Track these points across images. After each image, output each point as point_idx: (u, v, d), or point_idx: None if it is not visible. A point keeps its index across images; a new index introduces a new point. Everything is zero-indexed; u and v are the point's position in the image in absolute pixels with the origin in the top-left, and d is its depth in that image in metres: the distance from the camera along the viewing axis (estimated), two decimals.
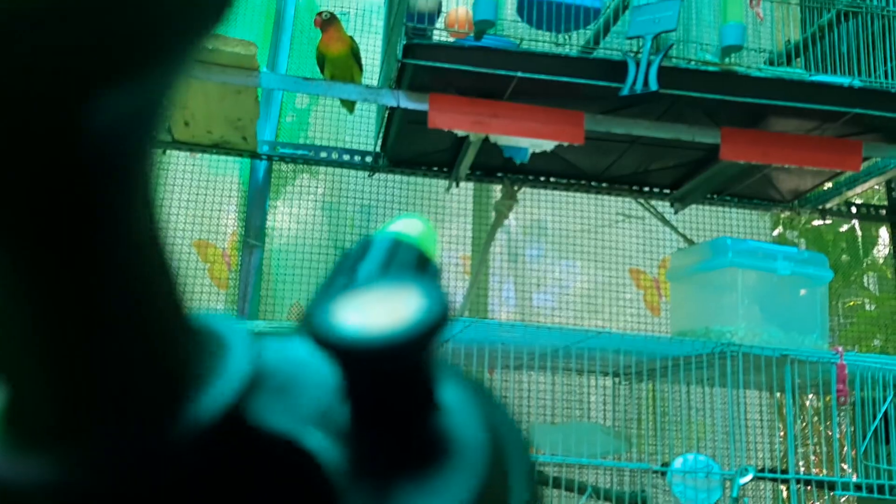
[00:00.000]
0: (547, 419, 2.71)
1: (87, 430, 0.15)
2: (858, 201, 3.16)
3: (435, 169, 2.90)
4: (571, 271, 3.13)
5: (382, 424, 0.18)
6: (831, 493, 2.48)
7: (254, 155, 2.81)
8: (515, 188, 2.89)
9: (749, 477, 2.11)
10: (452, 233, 3.08)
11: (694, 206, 3.07)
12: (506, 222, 2.95)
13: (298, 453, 0.17)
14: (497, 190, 2.98)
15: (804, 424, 3.01)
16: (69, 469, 0.15)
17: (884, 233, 3.48)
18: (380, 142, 2.82)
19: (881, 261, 3.54)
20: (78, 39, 0.12)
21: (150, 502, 0.16)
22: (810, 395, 2.72)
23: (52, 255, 0.14)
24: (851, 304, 3.51)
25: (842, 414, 2.57)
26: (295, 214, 2.98)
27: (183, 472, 0.16)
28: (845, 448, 3.07)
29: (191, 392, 0.16)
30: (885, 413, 2.25)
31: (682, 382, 2.43)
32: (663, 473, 2.17)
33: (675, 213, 3.06)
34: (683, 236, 3.04)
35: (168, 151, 2.74)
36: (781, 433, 3.06)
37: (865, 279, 3.57)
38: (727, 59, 2.42)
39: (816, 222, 3.30)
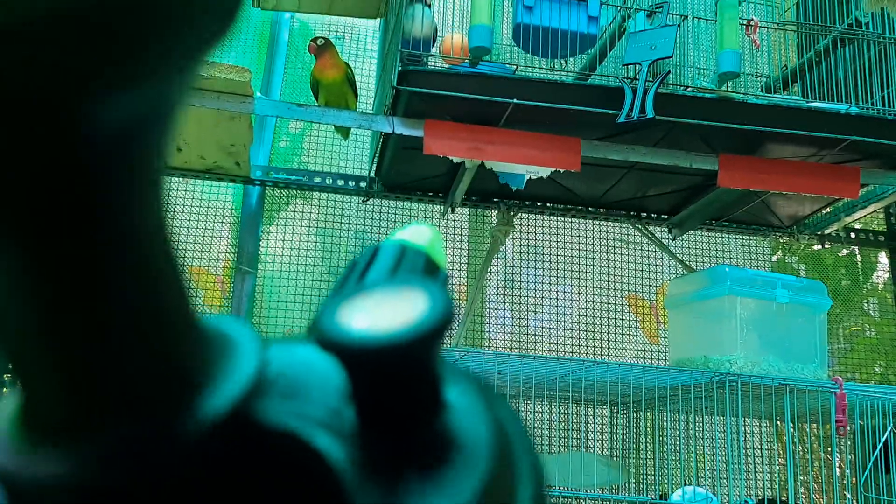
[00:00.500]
0: (544, 449, 2.67)
1: (98, 428, 0.16)
2: (857, 226, 3.14)
3: (430, 194, 2.87)
4: (569, 297, 3.10)
5: (389, 424, 0.18)
6: None
7: (247, 180, 2.78)
8: (512, 214, 2.86)
9: None
10: (448, 259, 3.05)
11: (692, 231, 3.05)
12: (502, 248, 2.92)
13: (307, 452, 0.17)
14: (493, 215, 2.95)
15: (804, 451, 2.97)
16: (81, 465, 0.15)
17: (883, 258, 3.46)
18: (374, 167, 2.80)
19: (881, 286, 3.52)
20: (80, 40, 0.12)
21: (159, 499, 0.16)
22: (810, 421, 2.68)
23: (55, 253, 0.14)
24: (852, 329, 3.48)
25: (842, 441, 2.54)
26: (289, 240, 2.96)
27: (192, 470, 0.16)
28: (846, 474, 3.03)
29: (199, 390, 0.16)
30: (885, 443, 2.22)
31: (681, 412, 2.40)
32: None
33: (673, 238, 3.04)
34: (682, 262, 3.01)
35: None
36: (781, 460, 3.02)
37: (865, 304, 3.54)
38: (724, 86, 2.40)
39: (815, 247, 3.28)
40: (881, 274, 3.53)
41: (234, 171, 2.70)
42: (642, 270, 3.15)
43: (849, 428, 2.21)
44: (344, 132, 2.79)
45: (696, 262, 3.12)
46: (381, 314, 0.18)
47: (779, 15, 2.75)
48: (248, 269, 2.74)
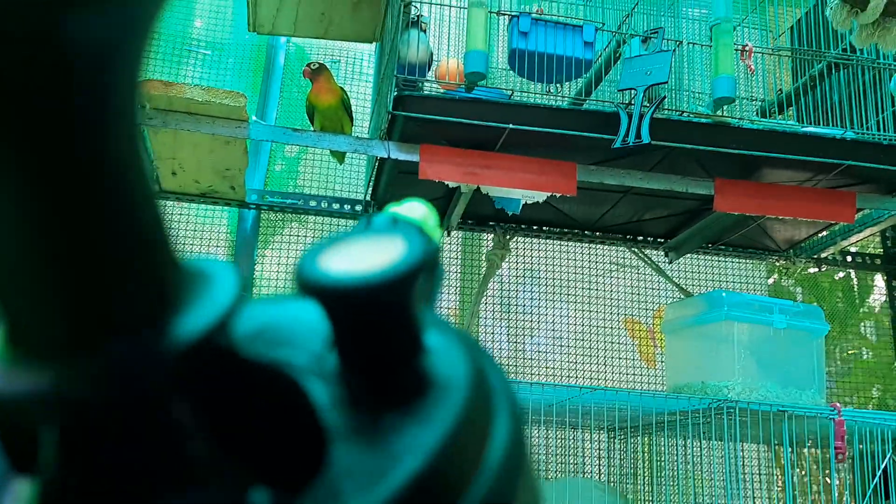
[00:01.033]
0: (541, 475, 2.65)
1: (80, 345, 0.16)
2: (854, 250, 3.14)
3: None
4: (565, 320, 3.09)
5: (369, 366, 0.18)
6: None
7: (242, 204, 2.77)
8: (508, 237, 2.86)
9: None
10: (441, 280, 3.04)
11: (688, 254, 3.04)
12: (498, 271, 2.91)
13: (290, 386, 0.18)
14: (489, 239, 2.95)
15: (803, 473, 2.95)
16: (64, 380, 0.16)
17: (879, 280, 3.46)
18: (370, 190, 2.79)
19: (877, 308, 3.52)
20: None
21: (140, 415, 0.16)
22: (809, 445, 2.66)
23: (38, 169, 0.15)
24: (849, 353, 3.47)
25: (841, 466, 2.52)
26: (284, 263, 2.94)
27: (173, 388, 0.17)
28: (844, 498, 3.00)
29: (177, 312, 0.17)
30: (885, 469, 2.20)
31: (679, 437, 2.38)
32: None
33: (670, 262, 3.03)
34: (678, 286, 3.01)
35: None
36: (780, 484, 3.00)
37: (862, 327, 3.54)
38: (719, 111, 2.41)
39: (812, 270, 3.28)
40: (877, 297, 3.53)
41: (230, 195, 2.69)
42: (639, 294, 3.14)
43: (848, 454, 2.20)
44: (339, 156, 2.79)
45: (693, 285, 3.11)
46: (360, 258, 0.18)
47: (773, 40, 2.76)
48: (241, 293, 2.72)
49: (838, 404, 2.18)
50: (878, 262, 3.16)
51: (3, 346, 0.17)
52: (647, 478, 2.80)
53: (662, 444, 2.43)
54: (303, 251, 0.19)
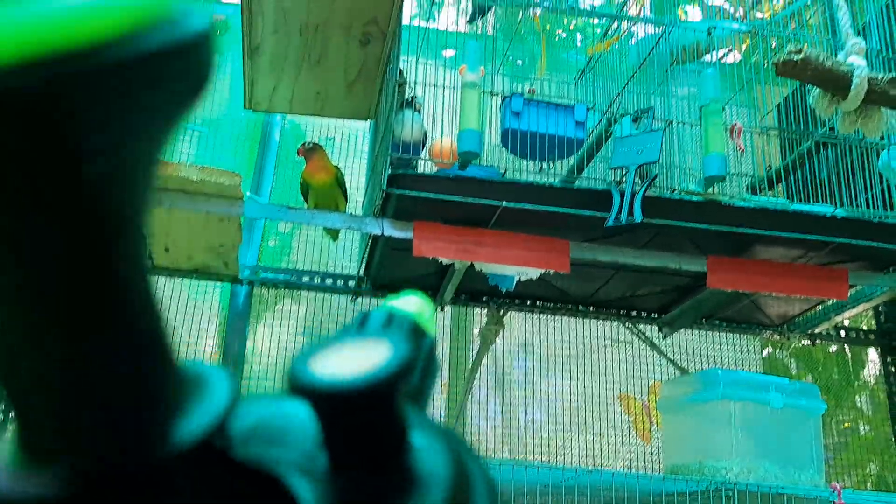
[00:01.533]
0: None
1: (79, 451, 0.17)
2: (847, 323, 3.14)
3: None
4: (559, 395, 3.05)
5: (357, 466, 0.19)
6: None
7: (235, 280, 2.76)
8: (501, 313, 2.85)
9: None
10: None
11: (682, 329, 3.03)
12: (492, 346, 2.89)
13: (278, 488, 0.19)
14: (481, 313, 2.93)
15: None
16: (65, 485, 0.16)
17: (873, 353, 3.45)
18: (363, 266, 2.79)
19: (872, 382, 3.50)
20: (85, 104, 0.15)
21: None
22: None
23: (47, 281, 0.16)
24: (845, 426, 3.43)
25: None
26: (276, 339, 2.92)
27: (168, 492, 0.17)
28: None
29: (174, 417, 0.18)
30: None
31: None
32: None
33: (664, 337, 3.02)
34: (672, 361, 2.99)
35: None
36: None
37: (858, 400, 3.51)
38: (710, 189, 2.43)
39: (805, 342, 3.27)
40: (871, 371, 3.51)
41: (223, 270, 2.68)
42: (633, 369, 3.12)
43: None
44: (334, 234, 2.79)
45: (687, 360, 3.09)
46: (347, 362, 0.19)
47: (761, 118, 2.81)
48: (231, 371, 2.69)
49: (838, 485, 2.15)
50: (871, 336, 3.16)
51: (14, 450, 0.17)
52: None
53: None
54: (296, 352, 0.20)
